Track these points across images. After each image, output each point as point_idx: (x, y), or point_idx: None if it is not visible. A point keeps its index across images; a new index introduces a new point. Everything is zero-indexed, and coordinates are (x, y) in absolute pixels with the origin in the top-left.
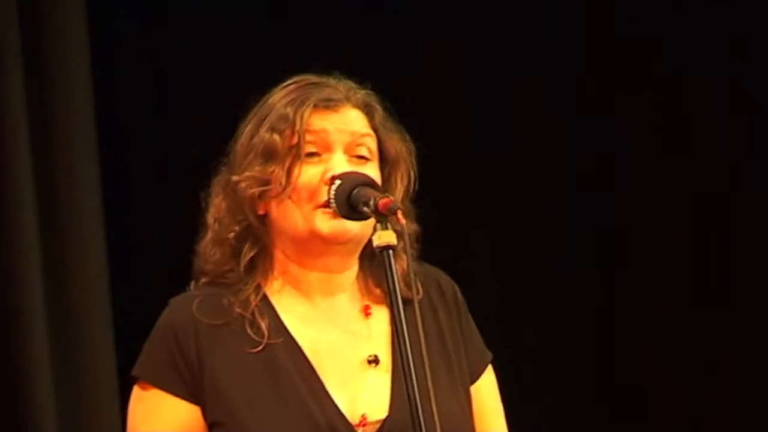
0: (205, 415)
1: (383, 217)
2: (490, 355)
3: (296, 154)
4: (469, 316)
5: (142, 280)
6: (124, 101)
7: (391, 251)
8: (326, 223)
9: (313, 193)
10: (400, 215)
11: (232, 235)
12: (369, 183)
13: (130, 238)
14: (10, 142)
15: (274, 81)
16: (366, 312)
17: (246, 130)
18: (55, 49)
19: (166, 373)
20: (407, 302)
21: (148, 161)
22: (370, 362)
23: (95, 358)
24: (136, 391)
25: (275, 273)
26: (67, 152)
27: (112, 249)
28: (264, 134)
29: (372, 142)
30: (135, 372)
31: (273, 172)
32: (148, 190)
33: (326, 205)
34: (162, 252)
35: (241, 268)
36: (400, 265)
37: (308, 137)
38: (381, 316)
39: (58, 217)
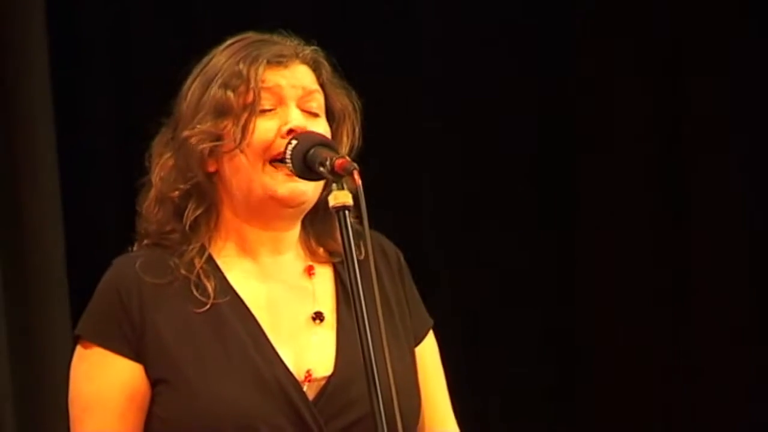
0: (148, 373)
1: (339, 178)
2: (431, 322)
3: (251, 109)
4: (412, 282)
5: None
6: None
7: (346, 212)
8: (284, 186)
9: (268, 147)
10: (356, 176)
11: (176, 193)
12: (325, 143)
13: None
14: None
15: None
16: (309, 272)
17: (192, 89)
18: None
19: (108, 331)
20: (359, 263)
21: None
22: (314, 319)
23: (48, 311)
24: (79, 350)
25: (221, 232)
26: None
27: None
28: (216, 91)
29: (320, 98)
30: (78, 330)
31: (226, 127)
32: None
33: (281, 159)
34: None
35: (186, 227)
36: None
37: (263, 93)
38: (325, 275)
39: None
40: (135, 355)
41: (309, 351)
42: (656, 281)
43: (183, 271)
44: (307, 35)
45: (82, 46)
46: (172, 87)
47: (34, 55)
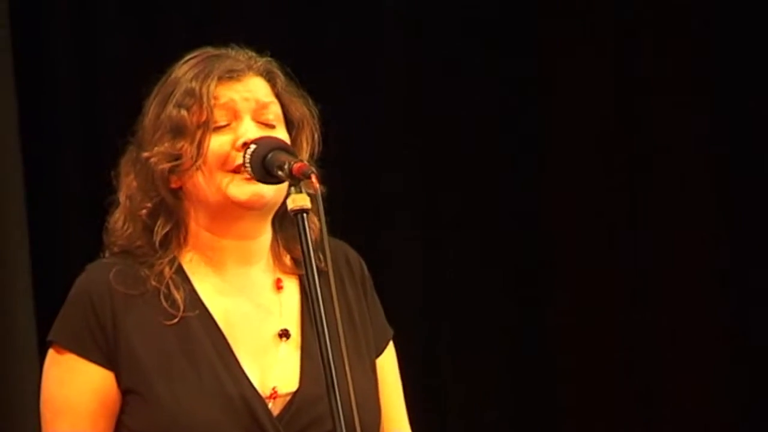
0: (119, 381)
1: (297, 181)
2: (391, 332)
3: (205, 127)
4: (374, 291)
5: (63, 247)
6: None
7: (305, 215)
8: (242, 190)
9: (224, 161)
10: (314, 179)
11: (144, 212)
12: (283, 147)
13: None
14: None
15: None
16: (278, 286)
17: (152, 106)
18: None
19: (81, 337)
20: (320, 273)
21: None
22: (281, 336)
23: (14, 318)
24: (51, 355)
25: (189, 245)
26: None
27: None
28: (171, 110)
29: (276, 108)
30: (51, 336)
31: (182, 147)
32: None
33: (238, 170)
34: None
35: (157, 243)
36: (313, 231)
37: (216, 110)
38: (292, 289)
39: None
40: (107, 363)
41: (275, 368)
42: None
43: (153, 283)
44: (264, 41)
45: (47, 65)
46: (138, 100)
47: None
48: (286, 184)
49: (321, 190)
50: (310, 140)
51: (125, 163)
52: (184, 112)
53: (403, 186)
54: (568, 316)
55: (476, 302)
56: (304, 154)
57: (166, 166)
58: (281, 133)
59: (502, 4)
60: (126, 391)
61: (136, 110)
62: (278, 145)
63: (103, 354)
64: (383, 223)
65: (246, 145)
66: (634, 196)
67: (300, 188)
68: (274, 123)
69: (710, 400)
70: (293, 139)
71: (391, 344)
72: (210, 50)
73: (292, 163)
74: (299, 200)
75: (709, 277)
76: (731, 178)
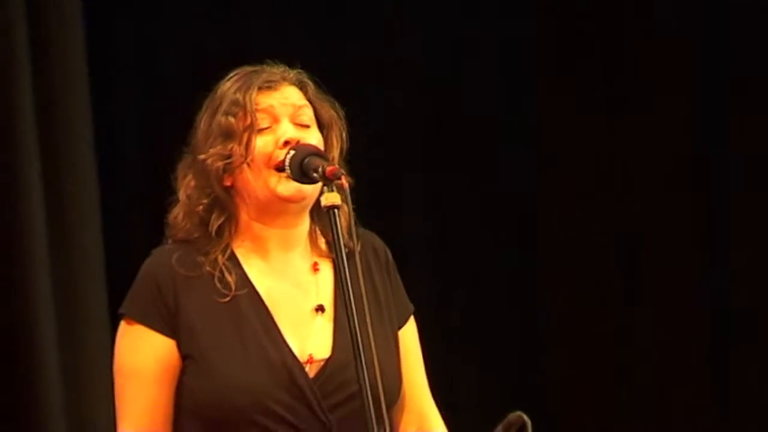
0: (179, 348)
1: (329, 182)
2: (412, 308)
3: (251, 130)
4: (398, 274)
5: (132, 229)
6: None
7: (336, 210)
8: (287, 187)
9: (269, 158)
10: (343, 180)
11: (201, 207)
12: (318, 153)
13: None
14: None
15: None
16: (315, 268)
17: (203, 118)
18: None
19: (147, 311)
20: (349, 255)
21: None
22: (316, 311)
23: (89, 296)
24: (123, 327)
25: (240, 234)
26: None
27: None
28: (220, 118)
29: (309, 112)
30: (122, 310)
31: (232, 148)
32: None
33: (281, 167)
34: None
35: (213, 233)
36: (343, 221)
37: (258, 115)
38: (326, 270)
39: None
40: (170, 332)
41: (311, 338)
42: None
43: (208, 268)
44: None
45: (117, 84)
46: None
47: (74, 76)
48: (320, 184)
49: (350, 184)
50: (339, 138)
51: (182, 168)
52: (231, 119)
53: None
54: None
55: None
56: (335, 151)
57: (220, 164)
58: (315, 132)
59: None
60: (185, 356)
61: (189, 123)
62: (313, 151)
63: (166, 325)
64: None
65: (287, 143)
66: None
67: (332, 187)
68: (308, 123)
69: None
70: (325, 137)
71: (412, 319)
72: (248, 68)
73: (325, 166)
74: (331, 198)
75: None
76: (710, 183)
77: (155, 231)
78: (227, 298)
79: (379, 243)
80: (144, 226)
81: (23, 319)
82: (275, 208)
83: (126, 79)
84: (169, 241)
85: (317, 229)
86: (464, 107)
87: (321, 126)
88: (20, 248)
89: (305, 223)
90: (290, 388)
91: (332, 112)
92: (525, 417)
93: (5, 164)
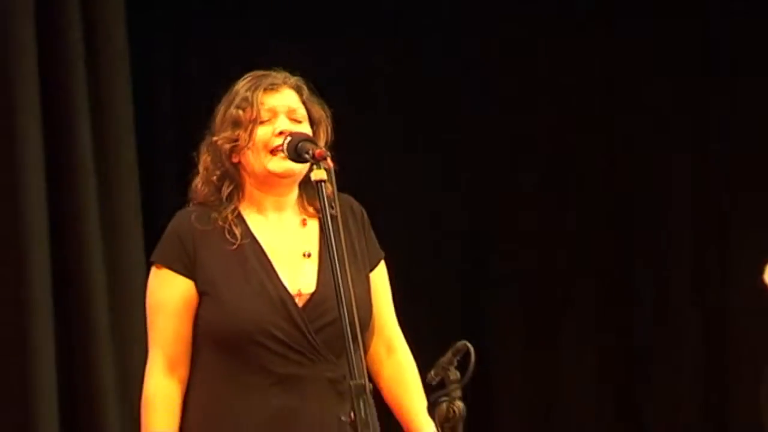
0: (197, 286)
1: (318, 161)
2: (383, 254)
3: (255, 121)
4: (371, 228)
5: (165, 193)
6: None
7: (323, 183)
8: (279, 165)
9: (266, 144)
10: (329, 160)
11: (215, 177)
12: (310, 139)
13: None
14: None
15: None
16: (303, 223)
17: (221, 109)
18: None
19: (172, 258)
20: (332, 217)
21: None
22: (305, 256)
23: (130, 247)
24: (153, 271)
25: (245, 199)
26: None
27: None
28: (232, 110)
29: (303, 110)
30: (153, 258)
31: (239, 134)
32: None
33: (275, 151)
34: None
35: (224, 198)
36: (328, 191)
37: (262, 110)
38: (313, 225)
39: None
40: (189, 274)
41: (300, 276)
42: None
43: (220, 223)
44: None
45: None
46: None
47: (118, 74)
48: (307, 164)
49: (332, 167)
50: (325, 132)
51: (203, 147)
52: (240, 112)
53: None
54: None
55: None
56: (322, 142)
57: (228, 146)
58: (306, 127)
59: None
60: (201, 293)
61: (209, 114)
62: (306, 138)
63: (186, 269)
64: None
65: (282, 133)
66: None
67: (320, 166)
68: (300, 120)
69: None
70: (314, 131)
71: (382, 263)
72: (258, 72)
73: (315, 149)
74: (319, 174)
75: None
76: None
77: (181, 197)
78: (234, 246)
79: (356, 204)
80: (172, 193)
81: (79, 267)
82: (270, 181)
83: (162, 78)
84: (190, 204)
85: (305, 196)
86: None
87: (312, 122)
88: (78, 218)
89: (294, 192)
90: (284, 315)
91: (321, 113)
92: (469, 345)
93: (65, 144)
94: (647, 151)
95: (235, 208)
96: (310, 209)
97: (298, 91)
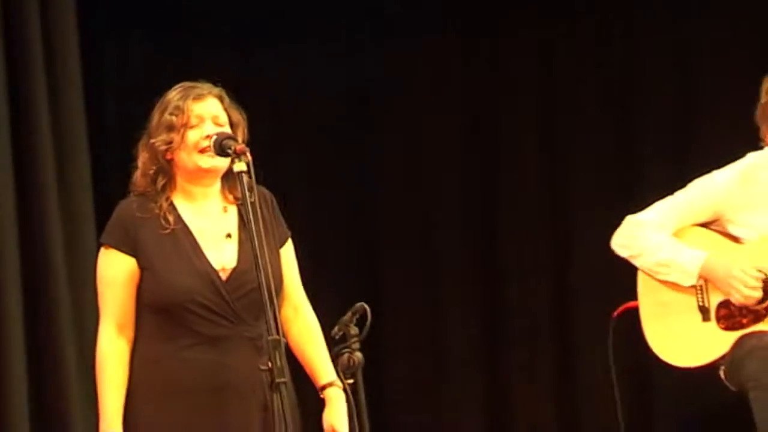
0: (138, 263)
1: (239, 156)
2: (289, 233)
3: (185, 126)
4: (279, 212)
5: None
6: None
7: (243, 174)
8: (207, 162)
9: (196, 144)
10: (248, 155)
11: (151, 171)
12: (231, 137)
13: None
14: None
15: None
16: (225, 210)
17: (155, 115)
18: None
19: (117, 239)
20: (251, 203)
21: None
22: (227, 236)
23: (86, 231)
24: (101, 251)
25: (177, 190)
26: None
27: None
28: (166, 116)
29: (224, 116)
30: (101, 240)
31: (173, 136)
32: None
33: (204, 151)
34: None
35: (158, 189)
36: (246, 181)
37: (192, 116)
38: (232, 211)
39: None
40: (132, 253)
41: (223, 254)
42: None
43: (156, 210)
44: (218, 79)
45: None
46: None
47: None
48: (229, 159)
49: (249, 160)
50: (243, 133)
51: (141, 146)
52: (173, 117)
53: None
54: None
55: None
56: (240, 140)
57: (164, 147)
58: (227, 129)
59: None
60: (142, 268)
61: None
62: (228, 136)
63: (130, 248)
64: None
65: (209, 136)
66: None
67: (240, 159)
68: (223, 124)
69: None
70: (234, 132)
71: (289, 240)
72: (187, 84)
73: (236, 145)
74: (239, 166)
75: None
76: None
77: (124, 190)
78: (168, 231)
79: (267, 192)
80: (118, 187)
81: (44, 253)
82: (199, 175)
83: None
84: (131, 195)
85: (226, 187)
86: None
87: (231, 125)
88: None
89: (218, 183)
90: (210, 287)
91: (239, 117)
92: (366, 306)
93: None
94: None
95: (168, 198)
96: (230, 197)
97: (221, 99)
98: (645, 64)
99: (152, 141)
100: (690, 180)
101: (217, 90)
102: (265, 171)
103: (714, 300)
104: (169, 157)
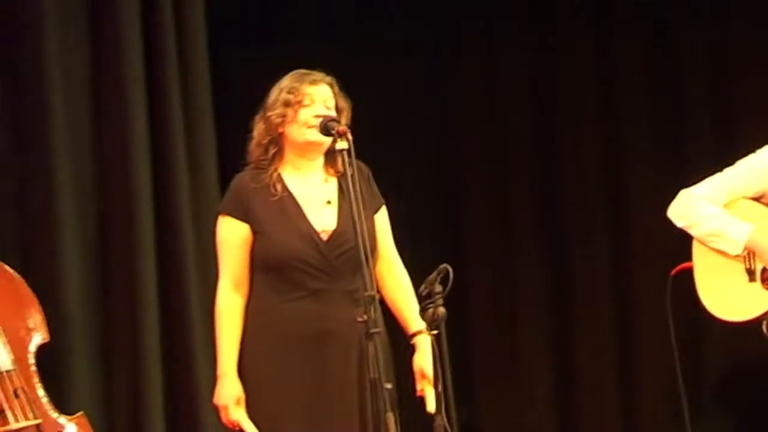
0: (251, 228)
1: (341, 136)
2: (383, 201)
3: (299, 104)
4: (374, 183)
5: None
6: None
7: (345, 152)
8: (314, 136)
9: (306, 121)
10: (349, 135)
11: (265, 141)
12: (335, 120)
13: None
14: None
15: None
16: (326, 180)
17: (273, 92)
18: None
19: (233, 208)
20: (351, 175)
21: None
22: (327, 203)
23: (210, 199)
24: (219, 219)
25: (285, 161)
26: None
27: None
28: (284, 95)
29: (333, 101)
30: (219, 209)
31: (287, 112)
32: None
33: (312, 127)
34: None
35: (270, 157)
36: (347, 158)
37: (305, 97)
38: (332, 182)
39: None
40: (245, 220)
41: (324, 218)
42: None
43: (266, 180)
44: (328, 70)
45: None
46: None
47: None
48: (331, 138)
49: (351, 140)
50: (346, 118)
51: (258, 119)
52: (290, 96)
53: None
54: None
55: None
56: (343, 122)
57: (278, 120)
58: (333, 113)
59: None
60: (255, 232)
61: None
62: (333, 118)
63: (244, 215)
64: None
65: (318, 116)
66: None
67: (343, 139)
68: (330, 107)
69: None
70: (339, 116)
71: (383, 207)
72: (303, 70)
73: (339, 126)
74: (341, 144)
75: None
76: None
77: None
78: (276, 197)
79: (364, 166)
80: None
81: (175, 221)
82: (305, 148)
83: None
84: (247, 168)
85: (328, 161)
86: None
87: (337, 110)
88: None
89: (321, 159)
90: (313, 246)
91: (345, 104)
92: (449, 267)
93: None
94: None
95: (276, 169)
96: (331, 171)
97: (331, 86)
98: (696, 46)
99: (268, 114)
100: (737, 157)
101: (329, 78)
102: (373, 149)
103: (759, 264)
104: (281, 130)
